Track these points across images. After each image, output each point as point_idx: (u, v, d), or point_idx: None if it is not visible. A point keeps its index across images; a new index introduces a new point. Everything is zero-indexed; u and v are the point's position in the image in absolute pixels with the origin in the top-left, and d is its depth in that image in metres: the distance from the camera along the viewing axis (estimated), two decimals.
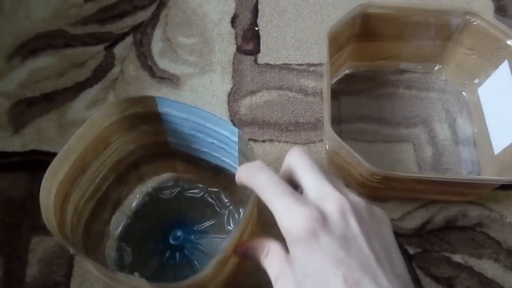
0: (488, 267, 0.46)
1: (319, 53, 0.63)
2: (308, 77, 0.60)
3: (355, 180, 0.48)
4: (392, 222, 0.49)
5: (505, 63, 0.50)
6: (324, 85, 0.51)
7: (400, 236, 0.48)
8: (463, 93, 0.58)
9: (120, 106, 0.41)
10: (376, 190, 0.49)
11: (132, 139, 0.45)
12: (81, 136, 0.40)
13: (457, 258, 0.47)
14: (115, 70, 0.61)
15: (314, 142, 0.55)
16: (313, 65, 0.61)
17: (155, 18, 0.67)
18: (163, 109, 0.42)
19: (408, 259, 0.47)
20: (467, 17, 0.52)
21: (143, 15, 0.67)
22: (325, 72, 0.49)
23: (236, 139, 0.39)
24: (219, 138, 0.41)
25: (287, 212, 0.26)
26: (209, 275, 0.31)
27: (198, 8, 0.68)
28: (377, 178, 0.44)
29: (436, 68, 0.59)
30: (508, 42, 0.50)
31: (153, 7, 0.68)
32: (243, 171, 0.30)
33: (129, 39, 0.65)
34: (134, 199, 0.49)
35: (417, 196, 0.50)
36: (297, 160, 0.29)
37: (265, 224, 0.41)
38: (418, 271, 0.46)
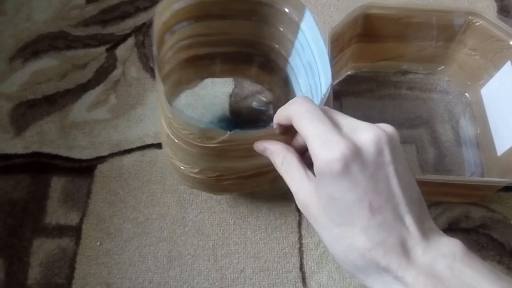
0: None
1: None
2: None
3: None
4: None
5: (508, 64, 0.50)
6: None
7: None
8: (466, 94, 0.57)
9: None
10: None
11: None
12: None
13: None
14: (117, 72, 0.61)
15: None
16: None
17: None
18: None
19: None
20: (470, 17, 0.51)
21: (144, 17, 0.67)
22: None
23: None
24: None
25: (320, 137, 0.26)
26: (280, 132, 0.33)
27: None
28: None
29: (439, 69, 0.58)
30: (499, 37, 0.49)
31: (155, 8, 0.68)
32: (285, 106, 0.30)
33: (130, 41, 0.64)
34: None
35: None
36: (310, 106, 0.29)
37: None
38: None
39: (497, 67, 0.52)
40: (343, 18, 0.51)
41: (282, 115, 0.31)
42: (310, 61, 0.43)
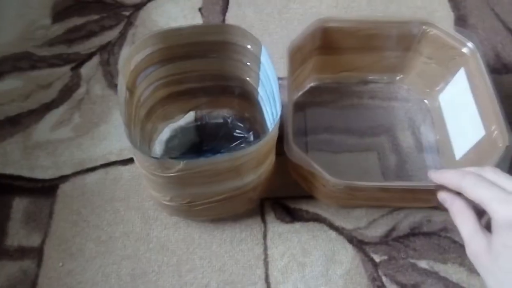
0: (453, 272, 0.47)
1: (285, 68, 0.63)
2: None
3: (320, 191, 0.48)
4: (357, 231, 0.49)
5: (462, 71, 0.52)
6: (285, 99, 0.51)
7: (366, 244, 0.48)
8: (425, 101, 0.59)
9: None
10: (342, 200, 0.49)
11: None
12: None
13: (423, 264, 0.47)
14: (81, 90, 0.61)
15: (280, 155, 0.55)
16: (280, 79, 0.62)
17: (122, 37, 0.67)
18: None
19: (374, 267, 0.47)
20: (424, 27, 0.53)
21: (110, 35, 0.68)
22: (287, 85, 0.50)
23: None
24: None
25: (496, 198, 0.33)
26: (262, 148, 0.40)
27: (165, 26, 0.68)
28: (340, 189, 0.45)
29: (398, 78, 0.60)
30: (463, 50, 0.51)
31: (120, 26, 0.68)
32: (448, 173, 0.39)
33: (96, 59, 0.65)
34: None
35: (383, 204, 0.50)
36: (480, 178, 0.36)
37: None
38: (384, 279, 0.46)
39: (452, 73, 0.53)
40: (302, 32, 0.52)
41: (451, 184, 0.38)
42: (271, 91, 0.45)
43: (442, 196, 0.41)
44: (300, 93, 0.60)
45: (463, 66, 0.51)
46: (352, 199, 0.48)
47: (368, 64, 0.59)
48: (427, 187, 0.44)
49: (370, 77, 0.60)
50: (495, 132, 0.45)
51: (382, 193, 0.47)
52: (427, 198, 0.48)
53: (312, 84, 0.61)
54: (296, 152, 0.44)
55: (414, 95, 0.59)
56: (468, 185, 0.36)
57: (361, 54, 0.57)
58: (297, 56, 0.53)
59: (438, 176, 0.40)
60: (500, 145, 0.44)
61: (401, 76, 0.59)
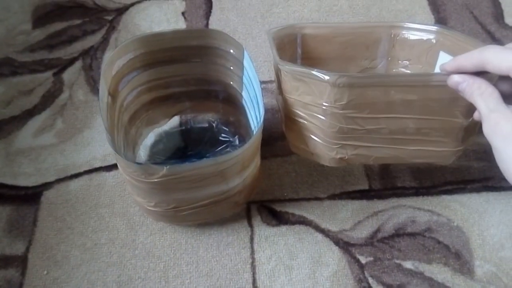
0: (438, 272, 0.47)
1: (270, 71, 0.64)
2: None
3: (321, 134, 0.45)
4: (343, 233, 0.50)
5: (442, 54, 0.52)
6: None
7: (352, 246, 0.49)
8: None
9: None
10: (343, 139, 0.45)
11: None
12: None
13: (408, 264, 0.48)
14: (64, 96, 0.60)
15: (265, 158, 0.55)
16: (263, 82, 0.62)
17: (105, 42, 0.67)
18: None
19: (361, 268, 0.47)
20: (392, 31, 0.54)
21: (92, 40, 0.67)
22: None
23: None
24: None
25: None
26: (246, 152, 0.40)
27: (148, 30, 0.68)
28: (344, 89, 0.41)
29: None
30: (433, 38, 0.51)
31: (103, 31, 0.68)
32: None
33: (78, 64, 0.64)
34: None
35: (384, 135, 0.45)
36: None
37: None
38: (370, 280, 0.47)
39: (432, 65, 0.53)
40: (280, 27, 0.52)
41: (471, 63, 0.36)
42: (254, 95, 0.45)
43: (455, 78, 0.38)
44: None
45: (441, 50, 0.52)
46: (354, 138, 0.44)
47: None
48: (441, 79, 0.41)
49: None
50: None
51: (387, 99, 0.42)
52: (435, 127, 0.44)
53: None
54: (290, 69, 0.43)
55: None
56: (493, 54, 0.34)
57: (341, 63, 0.57)
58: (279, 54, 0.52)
59: (452, 62, 0.38)
60: None
61: None
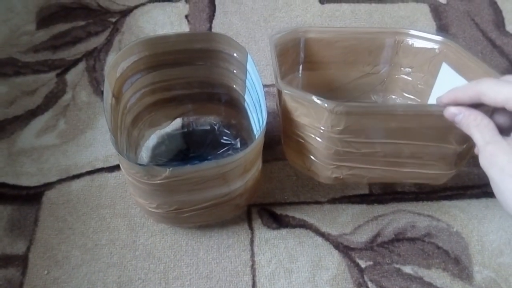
0: (437, 277, 0.47)
1: (272, 75, 0.64)
2: None
3: (318, 159, 0.46)
4: (343, 237, 0.50)
5: (444, 65, 0.52)
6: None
7: (352, 250, 0.49)
8: None
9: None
10: (340, 160, 0.46)
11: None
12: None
13: (408, 269, 0.48)
14: (67, 97, 0.60)
15: (267, 162, 0.55)
16: (266, 85, 0.62)
17: (108, 43, 0.67)
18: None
19: (360, 272, 0.47)
20: (397, 37, 0.54)
21: (96, 41, 0.67)
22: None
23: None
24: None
25: None
26: (248, 155, 0.40)
27: (152, 32, 0.68)
28: (341, 116, 0.41)
29: (388, 97, 0.60)
30: (437, 48, 0.52)
31: (107, 33, 0.68)
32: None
33: (81, 65, 0.64)
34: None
35: (385, 157, 0.46)
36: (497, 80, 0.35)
37: None
38: (370, 284, 0.47)
39: (434, 75, 0.54)
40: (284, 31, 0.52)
41: (467, 95, 0.36)
42: (257, 98, 0.46)
43: (452, 110, 0.38)
44: None
45: (444, 61, 0.52)
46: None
47: (353, 81, 0.59)
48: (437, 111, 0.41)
49: (355, 97, 0.59)
50: None
51: (387, 124, 0.43)
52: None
53: None
54: (289, 93, 0.43)
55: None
56: (489, 86, 0.34)
57: (343, 69, 0.57)
58: (282, 59, 0.52)
59: (448, 95, 0.38)
60: None
61: (389, 95, 0.59)
